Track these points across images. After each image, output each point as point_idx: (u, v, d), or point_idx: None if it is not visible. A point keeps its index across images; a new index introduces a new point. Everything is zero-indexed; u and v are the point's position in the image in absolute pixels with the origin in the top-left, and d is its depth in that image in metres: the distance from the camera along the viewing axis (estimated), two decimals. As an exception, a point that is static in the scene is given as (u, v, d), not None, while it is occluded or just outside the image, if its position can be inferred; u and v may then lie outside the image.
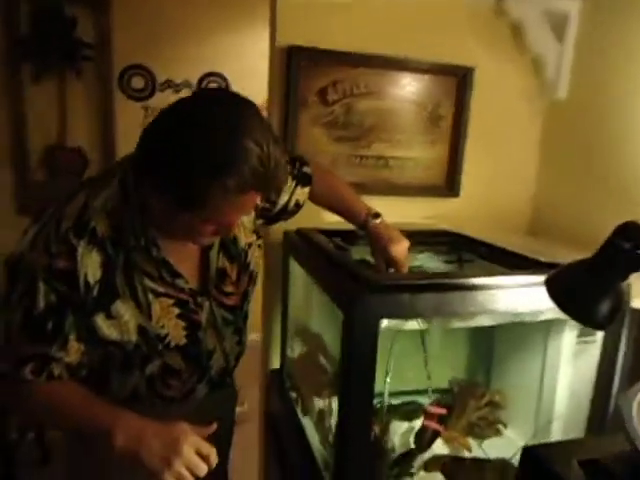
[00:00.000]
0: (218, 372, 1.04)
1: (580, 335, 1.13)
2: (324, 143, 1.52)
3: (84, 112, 2.57)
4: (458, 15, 1.59)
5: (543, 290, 0.81)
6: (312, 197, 1.23)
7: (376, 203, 1.29)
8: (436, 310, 0.92)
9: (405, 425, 1.33)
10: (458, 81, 1.62)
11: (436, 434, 1.20)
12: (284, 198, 1.16)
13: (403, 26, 1.54)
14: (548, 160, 1.76)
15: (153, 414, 0.79)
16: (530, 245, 1.53)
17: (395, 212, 1.71)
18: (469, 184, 1.72)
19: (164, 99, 2.76)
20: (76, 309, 0.78)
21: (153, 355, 0.88)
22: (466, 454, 1.26)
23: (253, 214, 1.08)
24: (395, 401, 1.40)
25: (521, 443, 1.34)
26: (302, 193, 1.20)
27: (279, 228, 1.40)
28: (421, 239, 1.45)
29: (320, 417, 1.26)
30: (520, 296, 0.96)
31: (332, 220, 1.34)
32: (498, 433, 1.38)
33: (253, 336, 1.54)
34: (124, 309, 0.82)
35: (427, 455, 1.22)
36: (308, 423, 1.31)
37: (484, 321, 1.06)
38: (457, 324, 1.08)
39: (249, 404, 2.27)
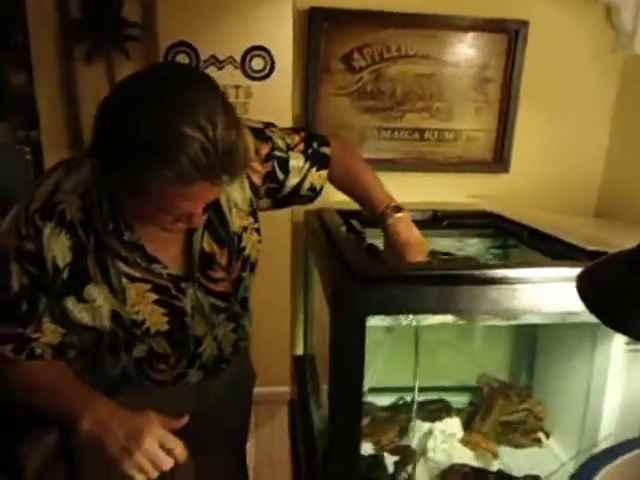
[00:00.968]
0: (211, 359, 0.99)
1: (630, 342, 0.93)
2: (349, 115, 1.39)
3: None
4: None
5: (571, 287, 0.66)
6: (331, 180, 1.09)
7: (410, 181, 1.15)
8: (436, 305, 0.80)
9: (426, 426, 1.21)
10: (508, 38, 1.41)
11: None
12: (293, 180, 1.02)
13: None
14: (623, 127, 1.50)
15: (154, 397, 0.81)
16: (588, 229, 1.31)
17: (432, 191, 1.54)
18: (521, 158, 1.51)
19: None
20: (47, 291, 0.78)
21: (134, 340, 0.86)
22: (492, 462, 1.12)
23: (249, 194, 0.98)
24: (421, 398, 1.28)
25: (563, 458, 1.18)
26: (318, 177, 1.04)
27: (301, 207, 1.31)
28: (454, 221, 1.30)
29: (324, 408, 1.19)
30: (540, 293, 0.80)
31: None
32: (538, 443, 1.22)
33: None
34: (97, 293, 0.80)
35: (444, 461, 1.09)
36: (315, 412, 1.25)
37: (524, 319, 0.91)
38: (489, 322, 0.93)
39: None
